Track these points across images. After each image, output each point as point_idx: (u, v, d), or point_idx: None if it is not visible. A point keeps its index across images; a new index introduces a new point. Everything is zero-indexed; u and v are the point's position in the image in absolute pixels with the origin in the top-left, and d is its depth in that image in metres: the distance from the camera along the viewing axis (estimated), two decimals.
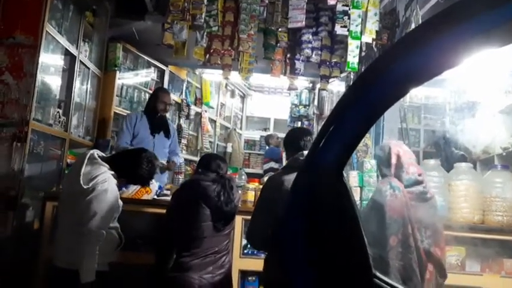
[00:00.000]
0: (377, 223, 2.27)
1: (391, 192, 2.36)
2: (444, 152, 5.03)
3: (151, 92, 5.76)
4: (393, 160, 2.48)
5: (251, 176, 5.02)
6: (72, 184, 2.55)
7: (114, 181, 2.60)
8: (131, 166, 2.68)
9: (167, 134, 4.32)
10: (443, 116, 6.27)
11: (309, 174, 1.02)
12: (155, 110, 4.20)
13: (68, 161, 3.85)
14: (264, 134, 8.50)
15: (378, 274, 0.92)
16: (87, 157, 2.57)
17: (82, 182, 2.46)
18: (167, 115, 4.60)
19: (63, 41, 3.69)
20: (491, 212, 3.25)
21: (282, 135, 8.74)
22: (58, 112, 3.72)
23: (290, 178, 2.35)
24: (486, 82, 4.10)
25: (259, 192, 3.51)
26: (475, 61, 0.93)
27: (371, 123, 1.07)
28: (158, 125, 4.24)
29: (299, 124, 7.19)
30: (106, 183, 2.48)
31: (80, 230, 2.44)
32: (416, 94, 6.90)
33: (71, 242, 2.48)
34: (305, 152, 2.44)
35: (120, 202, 2.69)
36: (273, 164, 7.10)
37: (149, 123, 4.15)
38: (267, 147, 7.83)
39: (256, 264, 3.26)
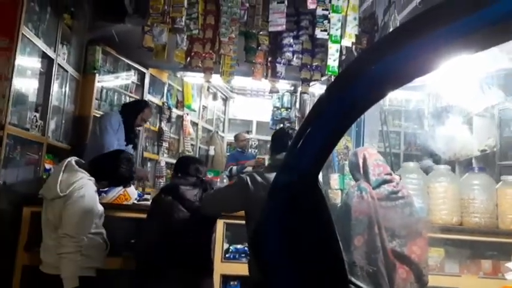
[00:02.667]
0: (345, 224, 2.32)
1: (358, 193, 2.42)
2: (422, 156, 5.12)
3: (131, 94, 5.72)
4: (360, 163, 2.56)
5: (233, 180, 5.01)
6: (51, 191, 2.58)
7: (92, 187, 2.63)
8: (112, 168, 2.73)
9: (135, 148, 4.34)
10: (422, 120, 6.36)
11: (285, 178, 1.02)
12: (134, 123, 4.20)
13: (46, 165, 3.78)
14: (248, 136, 8.42)
15: (353, 280, 0.92)
16: (64, 164, 2.64)
17: (58, 189, 2.51)
18: None
19: (40, 43, 3.62)
20: (469, 214, 3.31)
21: (264, 137, 8.78)
22: (35, 116, 3.64)
23: (268, 176, 2.40)
24: (463, 85, 4.18)
25: None
26: (453, 65, 0.94)
27: (347, 126, 1.07)
28: (133, 137, 4.22)
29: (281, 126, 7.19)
30: (82, 189, 2.53)
31: (59, 236, 2.45)
32: (396, 97, 6.99)
33: (54, 247, 2.50)
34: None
35: (100, 207, 2.69)
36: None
37: (125, 133, 4.10)
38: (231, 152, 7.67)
39: (238, 268, 3.26)
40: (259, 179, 2.44)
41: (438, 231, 3.16)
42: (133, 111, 4.23)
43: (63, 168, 2.62)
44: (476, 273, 3.30)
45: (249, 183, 2.45)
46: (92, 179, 2.65)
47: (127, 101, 5.50)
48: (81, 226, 2.50)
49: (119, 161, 2.76)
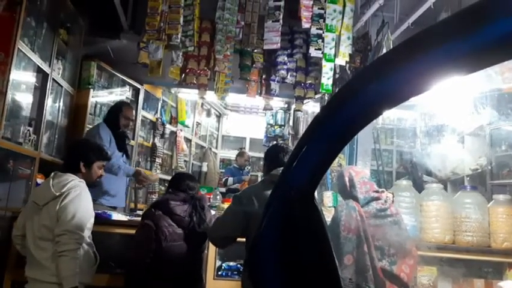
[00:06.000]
0: (334, 243, 2.32)
1: (346, 212, 2.45)
2: (413, 175, 5.15)
3: None
4: (347, 183, 2.60)
5: (226, 196, 5.00)
6: (43, 195, 2.55)
7: (85, 187, 2.64)
8: (81, 157, 2.71)
9: (127, 156, 4.24)
10: (414, 138, 6.41)
11: (281, 195, 1.03)
12: (119, 126, 4.09)
13: (38, 180, 3.75)
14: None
15: None
16: (51, 175, 2.65)
17: (53, 190, 2.50)
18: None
19: (35, 58, 3.64)
20: (462, 232, 3.31)
21: (257, 154, 8.79)
22: (28, 130, 3.63)
23: (268, 193, 2.37)
24: (454, 105, 4.23)
25: None
26: (446, 85, 0.95)
27: (343, 145, 1.08)
28: (122, 144, 4.13)
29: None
30: (78, 188, 2.54)
31: (57, 235, 2.41)
32: (389, 116, 7.06)
33: (44, 260, 2.44)
34: (281, 169, 2.45)
35: (93, 211, 2.67)
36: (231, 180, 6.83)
37: (116, 140, 4.02)
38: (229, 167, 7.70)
39: (231, 286, 3.23)
40: (253, 196, 2.44)
41: (431, 250, 3.16)
42: (114, 115, 4.12)
43: (51, 175, 2.64)
44: None
45: (245, 199, 2.45)
46: (83, 181, 2.65)
47: None
48: (80, 222, 2.46)
49: (85, 148, 2.78)
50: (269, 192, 2.34)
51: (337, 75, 4.45)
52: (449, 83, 0.94)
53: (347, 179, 2.60)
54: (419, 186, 3.72)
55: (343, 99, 1.05)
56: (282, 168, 2.49)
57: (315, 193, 1.08)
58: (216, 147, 9.10)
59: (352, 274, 2.25)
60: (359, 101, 0.98)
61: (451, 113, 4.44)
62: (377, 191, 2.56)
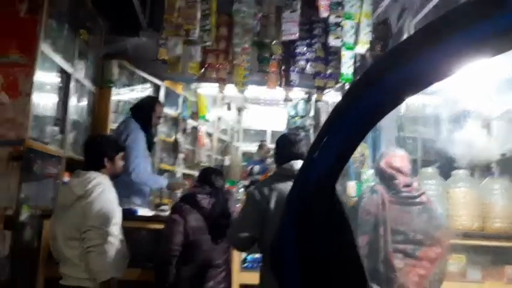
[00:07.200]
0: (353, 224, 2.32)
1: (368, 195, 2.51)
2: (439, 163, 5.04)
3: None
4: (383, 167, 2.60)
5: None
6: (68, 196, 2.60)
7: (109, 182, 2.68)
8: (104, 153, 2.74)
9: (150, 150, 4.16)
10: (439, 125, 6.28)
11: (302, 187, 1.02)
12: (149, 124, 4.06)
13: (65, 179, 3.83)
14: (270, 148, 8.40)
15: (374, 287, 0.91)
16: (73, 174, 2.73)
17: (77, 189, 2.55)
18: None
19: (58, 59, 3.70)
20: (490, 219, 3.25)
21: None
22: (54, 130, 3.71)
23: (280, 187, 2.36)
24: (480, 90, 4.12)
25: None
26: (470, 69, 0.93)
27: (364, 133, 1.06)
28: (151, 141, 4.13)
29: None
30: (101, 185, 2.58)
31: (83, 232, 2.45)
32: (413, 103, 6.92)
33: (74, 257, 2.50)
34: (293, 162, 2.43)
35: (119, 206, 2.71)
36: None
37: (146, 138, 3.98)
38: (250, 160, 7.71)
39: (256, 278, 3.23)
40: (266, 190, 2.42)
41: (459, 237, 3.11)
42: (146, 113, 4.05)
43: (74, 174, 2.72)
44: (499, 279, 3.23)
45: (259, 195, 2.43)
46: (106, 177, 2.69)
47: None
48: (105, 217, 2.49)
49: (104, 143, 2.84)
50: (281, 184, 2.35)
51: (357, 64, 4.38)
52: (475, 66, 0.91)
53: (384, 163, 2.59)
54: (445, 174, 3.65)
55: (363, 86, 1.03)
56: (293, 161, 2.48)
57: (337, 184, 1.07)
58: (238, 141, 9.12)
59: (363, 254, 2.26)
60: (381, 87, 0.96)
61: (476, 98, 4.33)
62: (409, 181, 2.56)
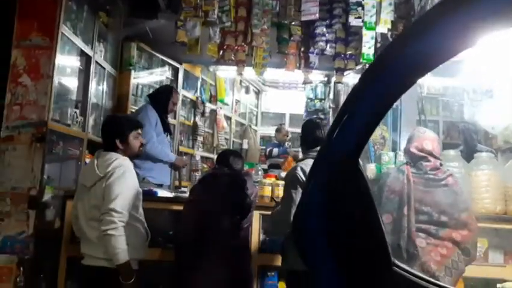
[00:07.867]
0: (377, 202, 2.32)
1: (395, 174, 2.54)
2: (463, 145, 4.94)
3: None
4: (414, 150, 2.59)
5: (269, 172, 5.02)
6: (90, 177, 2.63)
7: (130, 164, 2.68)
8: (114, 134, 2.71)
9: (170, 134, 4.52)
10: (462, 106, 6.14)
11: (325, 163, 1.01)
12: (166, 110, 4.32)
13: (87, 160, 3.90)
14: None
15: (397, 262, 0.90)
16: (95, 155, 2.72)
17: (98, 171, 2.56)
18: None
19: (78, 41, 3.73)
20: None
21: (298, 130, 8.68)
22: (75, 112, 3.76)
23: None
24: (504, 67, 4.00)
25: (276, 188, 3.52)
26: (491, 42, 0.90)
27: (385, 110, 1.05)
28: (168, 124, 4.38)
29: None
30: (122, 167, 2.57)
31: (101, 213, 2.48)
32: (434, 85, 6.78)
33: (95, 238, 2.53)
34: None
35: (139, 188, 2.73)
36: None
37: (162, 122, 4.21)
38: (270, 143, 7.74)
39: (275, 259, 3.26)
40: (303, 176, 2.44)
41: (481, 221, 3.06)
42: (163, 99, 4.33)
43: (95, 155, 2.72)
44: None
45: (297, 184, 2.45)
46: (127, 158, 2.69)
47: None
48: (123, 201, 2.49)
49: (120, 123, 2.80)
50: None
51: (379, 44, 4.30)
52: (496, 39, 0.88)
53: (414, 143, 2.62)
54: (469, 156, 3.58)
55: (382, 64, 1.01)
56: (316, 146, 2.49)
57: (360, 160, 1.06)
58: (256, 124, 9.11)
59: (387, 232, 2.28)
60: (401, 61, 0.94)
61: (500, 77, 4.20)
62: (439, 162, 2.57)
